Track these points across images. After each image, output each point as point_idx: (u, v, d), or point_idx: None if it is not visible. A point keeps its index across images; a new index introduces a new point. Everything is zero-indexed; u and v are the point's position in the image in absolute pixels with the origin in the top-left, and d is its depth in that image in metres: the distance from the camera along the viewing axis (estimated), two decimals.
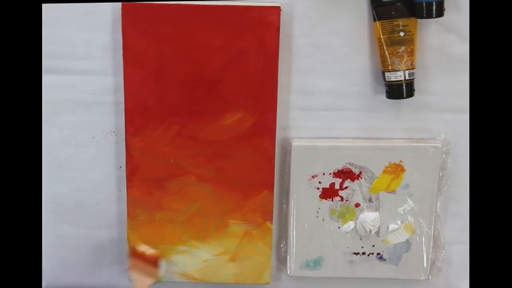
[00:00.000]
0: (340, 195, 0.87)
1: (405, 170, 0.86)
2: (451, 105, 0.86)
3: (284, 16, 0.81)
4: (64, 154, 0.86)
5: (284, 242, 0.90)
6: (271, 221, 0.88)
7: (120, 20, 0.81)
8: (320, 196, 0.87)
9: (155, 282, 0.85)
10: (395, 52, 0.81)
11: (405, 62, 0.81)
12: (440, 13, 0.79)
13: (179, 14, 0.80)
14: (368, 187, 0.87)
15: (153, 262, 0.85)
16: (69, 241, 0.90)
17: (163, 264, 0.86)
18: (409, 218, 0.88)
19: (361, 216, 0.88)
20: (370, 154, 0.86)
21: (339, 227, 0.88)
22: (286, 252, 0.90)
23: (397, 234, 0.88)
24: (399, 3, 0.80)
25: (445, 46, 0.83)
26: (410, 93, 0.83)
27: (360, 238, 0.89)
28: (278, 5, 0.80)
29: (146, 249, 0.86)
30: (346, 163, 0.86)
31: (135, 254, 0.86)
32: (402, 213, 0.88)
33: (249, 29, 0.81)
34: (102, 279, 0.92)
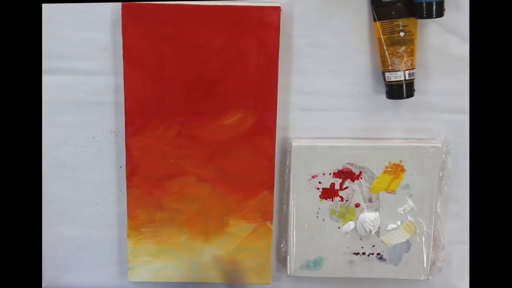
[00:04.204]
0: (340, 195, 0.87)
1: (405, 170, 0.86)
2: (451, 105, 0.86)
3: (284, 16, 0.81)
4: (64, 154, 0.86)
5: (284, 242, 0.90)
6: (271, 221, 0.88)
7: (120, 20, 0.81)
8: (320, 196, 0.87)
9: None
10: (395, 52, 0.81)
11: (405, 62, 0.81)
12: (440, 13, 0.79)
13: (179, 14, 0.80)
14: (368, 187, 0.87)
15: None
16: (69, 241, 0.90)
17: None
18: (409, 218, 0.88)
19: (361, 216, 0.88)
20: (370, 154, 0.86)
21: (339, 227, 0.88)
22: (286, 252, 0.90)
23: (397, 234, 0.88)
24: (399, 3, 0.80)
25: (445, 46, 0.83)
26: (410, 93, 0.83)
27: (360, 238, 0.89)
28: (278, 5, 0.80)
29: None
30: (346, 163, 0.86)
31: None
32: (402, 213, 0.88)
33: (249, 29, 0.81)
34: (102, 279, 0.92)
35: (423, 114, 0.86)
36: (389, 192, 0.87)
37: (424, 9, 0.79)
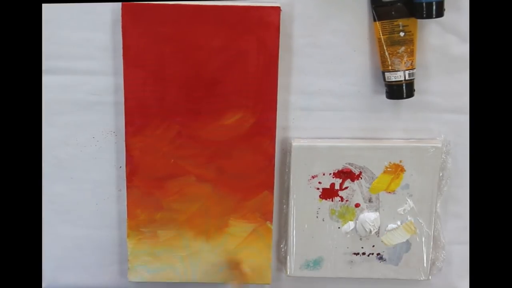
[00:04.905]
0: (340, 195, 0.87)
1: (405, 170, 0.86)
2: (451, 105, 0.86)
3: (284, 16, 0.81)
4: (64, 154, 0.86)
5: (284, 242, 0.90)
6: (271, 221, 0.88)
7: (120, 20, 0.81)
8: (320, 196, 0.87)
9: None
10: (395, 52, 0.81)
11: (405, 62, 0.81)
12: (440, 13, 0.79)
13: (179, 14, 0.80)
14: (368, 187, 0.87)
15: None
16: (69, 241, 0.90)
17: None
18: (409, 218, 0.88)
19: (361, 216, 0.88)
20: (370, 154, 0.86)
21: (339, 227, 0.88)
22: (286, 252, 0.90)
23: (397, 234, 0.88)
24: (399, 3, 0.80)
25: (445, 46, 0.83)
26: (410, 93, 0.83)
27: (360, 238, 0.89)
28: (278, 5, 0.80)
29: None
30: (346, 163, 0.86)
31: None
32: (402, 213, 0.88)
33: (249, 29, 0.81)
34: (102, 279, 0.92)
35: (423, 114, 0.86)
36: (389, 192, 0.87)
37: (424, 9, 0.79)
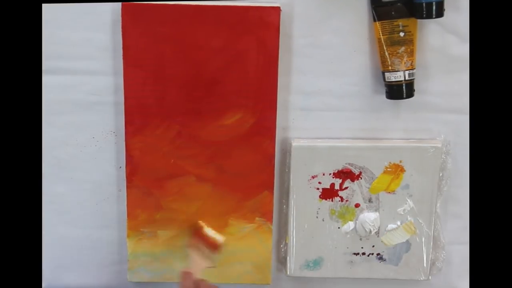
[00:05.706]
0: (340, 195, 0.87)
1: (405, 171, 0.86)
2: (451, 105, 0.86)
3: (284, 16, 0.81)
4: (64, 154, 0.86)
5: (284, 242, 0.90)
6: (271, 221, 0.88)
7: (120, 20, 0.81)
8: (320, 196, 0.87)
9: (210, 266, 0.85)
10: (395, 52, 0.81)
11: (405, 63, 0.82)
12: (440, 13, 0.79)
13: (179, 14, 0.80)
14: (368, 188, 0.87)
15: (214, 247, 0.85)
16: (69, 241, 0.90)
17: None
18: (409, 218, 0.88)
19: (361, 216, 0.88)
20: (370, 154, 0.86)
21: (339, 228, 0.88)
22: (286, 252, 0.90)
23: (397, 234, 0.88)
24: (399, 4, 0.80)
25: (445, 46, 0.83)
26: (410, 93, 0.83)
27: (360, 239, 0.89)
28: (278, 5, 0.80)
29: (211, 233, 0.85)
30: (346, 163, 0.86)
31: (198, 234, 0.85)
32: (402, 213, 0.88)
33: (249, 29, 0.81)
34: (102, 279, 0.92)
35: (423, 114, 0.86)
36: (389, 192, 0.87)
37: (424, 9, 0.79)
